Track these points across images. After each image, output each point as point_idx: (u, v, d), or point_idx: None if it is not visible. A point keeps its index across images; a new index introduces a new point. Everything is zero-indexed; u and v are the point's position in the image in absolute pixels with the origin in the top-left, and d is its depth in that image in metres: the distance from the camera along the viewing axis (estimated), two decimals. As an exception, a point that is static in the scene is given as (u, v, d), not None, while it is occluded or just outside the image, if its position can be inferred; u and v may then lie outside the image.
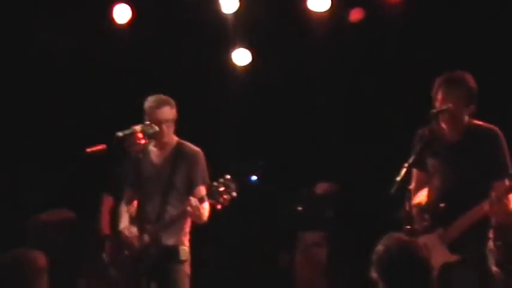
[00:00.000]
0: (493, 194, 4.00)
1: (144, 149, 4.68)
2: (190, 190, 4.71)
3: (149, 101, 4.74)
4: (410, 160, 4.08)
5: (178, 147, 4.78)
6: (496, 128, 4.23)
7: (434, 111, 4.18)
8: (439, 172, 4.24)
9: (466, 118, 4.23)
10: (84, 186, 6.25)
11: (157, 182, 4.71)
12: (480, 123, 4.27)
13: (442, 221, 4.17)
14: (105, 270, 4.97)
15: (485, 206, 4.04)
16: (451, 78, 4.24)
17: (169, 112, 4.72)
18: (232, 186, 4.45)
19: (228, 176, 4.47)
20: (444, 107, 4.18)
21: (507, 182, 4.05)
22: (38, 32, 6.56)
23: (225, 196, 4.44)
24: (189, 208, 4.51)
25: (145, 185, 4.70)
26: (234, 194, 4.45)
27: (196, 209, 4.52)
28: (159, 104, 4.70)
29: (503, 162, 4.15)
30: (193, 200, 4.51)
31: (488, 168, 4.13)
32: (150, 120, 4.65)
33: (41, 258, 3.44)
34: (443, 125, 4.22)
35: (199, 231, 4.93)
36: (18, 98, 6.64)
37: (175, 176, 4.70)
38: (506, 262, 5.29)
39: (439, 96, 4.21)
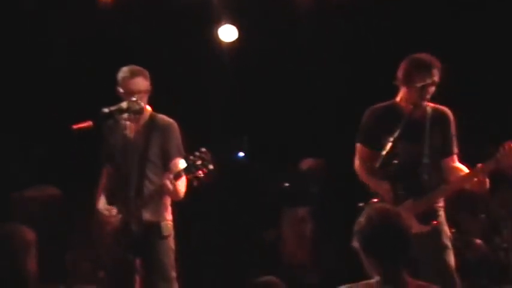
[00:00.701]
0: (478, 167, 4.34)
1: (117, 123, 4.59)
2: (166, 163, 4.64)
3: (122, 71, 4.66)
4: (396, 135, 4.35)
5: (151, 119, 4.69)
6: (448, 110, 4.58)
7: (421, 84, 4.39)
8: (400, 148, 4.45)
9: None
10: (71, 162, 6.24)
11: (132, 156, 4.62)
12: (433, 104, 4.57)
13: (406, 195, 4.43)
14: (92, 247, 4.97)
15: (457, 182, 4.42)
16: (425, 59, 4.48)
17: (142, 83, 4.63)
18: (208, 158, 4.39)
19: (204, 149, 4.41)
20: (429, 81, 4.40)
21: (455, 159, 4.50)
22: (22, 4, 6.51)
23: (202, 169, 4.38)
24: (167, 183, 4.45)
25: (120, 160, 4.63)
26: (211, 166, 4.38)
27: (172, 186, 4.46)
28: (133, 75, 4.62)
29: (453, 140, 4.54)
30: (168, 178, 4.45)
31: (441, 146, 4.51)
32: (124, 92, 4.60)
33: (29, 233, 3.45)
34: (413, 101, 4.44)
35: (185, 206, 4.93)
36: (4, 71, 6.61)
37: (149, 149, 4.61)
38: (491, 234, 5.42)
39: (414, 74, 4.43)
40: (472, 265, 4.89)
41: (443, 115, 4.54)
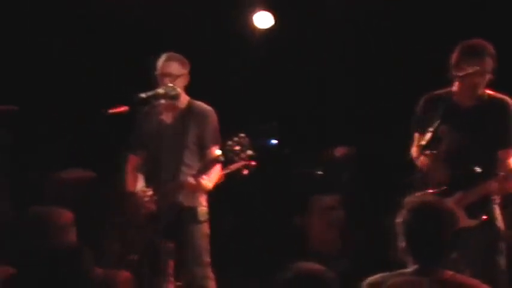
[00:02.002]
0: (501, 174, 4.14)
1: (155, 108, 4.65)
2: (202, 149, 4.68)
3: (161, 56, 4.75)
4: (436, 124, 4.15)
5: (189, 106, 4.73)
6: (508, 98, 4.30)
7: (462, 73, 4.19)
8: (447, 137, 4.27)
9: (481, 88, 4.29)
10: (106, 146, 6.31)
11: (169, 141, 4.67)
12: (492, 92, 4.32)
13: (454, 186, 4.22)
14: (124, 229, 5.02)
15: (493, 184, 4.17)
16: (475, 45, 4.26)
17: (176, 68, 4.68)
18: (247, 144, 4.38)
19: (242, 134, 4.40)
20: (470, 70, 4.18)
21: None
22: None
23: (241, 155, 4.37)
24: (190, 180, 4.47)
25: (157, 144, 4.68)
26: (250, 152, 4.37)
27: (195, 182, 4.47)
28: (168, 58, 4.70)
29: (510, 132, 4.26)
30: (192, 175, 4.47)
31: (496, 137, 4.24)
32: (158, 75, 4.65)
33: (65, 214, 3.50)
34: (463, 90, 4.26)
35: (213, 193, 4.95)
36: (37, 57, 6.69)
37: (187, 134, 4.64)
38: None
39: (462, 62, 4.23)
40: (507, 254, 4.77)
41: (501, 104, 4.26)
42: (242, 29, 6.86)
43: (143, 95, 4.57)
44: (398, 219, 3.08)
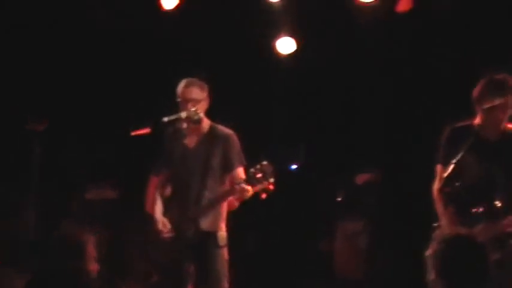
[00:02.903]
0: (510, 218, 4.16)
1: (179, 133, 4.72)
2: (226, 173, 4.73)
3: (180, 83, 4.81)
4: (459, 156, 4.17)
5: (212, 130, 4.79)
6: None
7: (489, 105, 4.24)
8: (472, 170, 4.30)
9: (504, 122, 4.35)
10: (130, 166, 6.37)
11: (193, 165, 4.72)
12: None
13: (475, 220, 4.23)
14: (146, 251, 5.05)
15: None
16: (499, 80, 4.30)
17: (197, 92, 4.75)
18: (270, 171, 4.43)
19: (265, 162, 4.45)
20: (497, 102, 4.23)
21: None
22: (88, 11, 6.69)
23: (262, 183, 4.43)
24: (237, 187, 4.50)
25: (182, 169, 4.73)
26: (272, 180, 4.43)
27: (244, 191, 4.50)
28: (188, 84, 4.76)
29: None
30: (239, 183, 4.51)
31: None
32: (181, 101, 4.71)
33: (85, 234, 3.52)
34: (487, 123, 4.31)
35: (238, 217, 4.96)
36: (66, 78, 6.79)
37: (212, 158, 4.70)
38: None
39: (486, 96, 4.27)
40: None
41: None
42: (266, 55, 6.90)
43: (166, 119, 4.63)
44: (429, 252, 3.05)
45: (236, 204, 4.73)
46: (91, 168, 6.63)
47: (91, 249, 3.45)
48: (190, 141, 4.80)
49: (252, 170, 4.47)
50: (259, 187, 4.47)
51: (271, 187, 4.46)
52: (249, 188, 4.48)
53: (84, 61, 6.83)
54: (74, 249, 3.40)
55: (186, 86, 4.76)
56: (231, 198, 4.68)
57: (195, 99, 4.73)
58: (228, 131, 4.83)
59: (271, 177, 4.43)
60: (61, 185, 6.55)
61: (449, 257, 2.99)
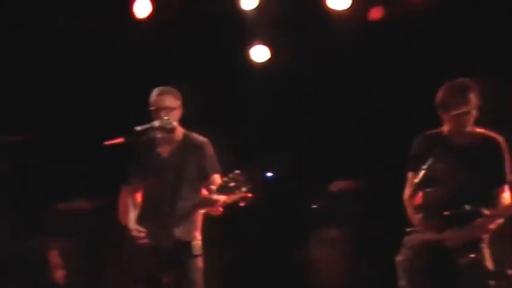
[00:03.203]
0: (486, 213, 4.24)
1: (152, 142, 4.70)
2: (202, 181, 4.70)
3: (153, 91, 4.78)
4: (430, 162, 4.23)
5: (186, 138, 4.76)
6: (498, 136, 4.42)
7: (458, 112, 4.29)
8: (442, 176, 4.35)
9: (471, 126, 4.41)
10: (103, 177, 6.30)
11: (167, 174, 4.69)
12: (483, 130, 4.44)
13: (446, 225, 4.27)
14: (121, 261, 5.01)
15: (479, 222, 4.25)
16: (460, 85, 4.37)
17: (170, 101, 4.72)
18: (242, 180, 4.41)
19: (237, 171, 4.44)
20: (465, 109, 4.29)
21: (505, 188, 4.33)
22: (60, 22, 6.64)
23: (235, 192, 4.42)
24: (208, 198, 4.50)
25: (155, 179, 4.70)
26: (244, 189, 4.42)
27: (214, 201, 4.51)
28: (161, 92, 4.73)
29: (503, 169, 4.37)
30: (211, 191, 4.50)
31: (490, 175, 4.34)
32: (154, 109, 4.67)
33: (54, 251, 3.46)
34: (454, 129, 4.36)
35: (215, 225, 4.94)
36: (38, 88, 6.72)
37: (186, 167, 4.68)
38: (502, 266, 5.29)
39: (448, 101, 4.34)
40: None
41: (493, 143, 4.39)
42: (240, 63, 6.89)
43: (139, 128, 4.60)
44: (399, 258, 3.06)
45: (220, 209, 4.70)
46: (64, 179, 6.56)
47: (55, 259, 3.40)
48: (164, 150, 4.77)
49: (224, 179, 4.46)
50: (233, 196, 4.45)
51: (248, 195, 4.44)
52: (220, 197, 4.47)
53: (56, 71, 6.76)
54: (37, 260, 3.35)
55: (160, 94, 4.73)
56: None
57: (168, 107, 4.70)
58: (202, 138, 4.80)
59: (244, 186, 4.42)
60: (33, 196, 6.47)
61: (417, 263, 3.02)
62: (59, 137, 6.72)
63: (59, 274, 3.44)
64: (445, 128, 4.44)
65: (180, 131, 4.79)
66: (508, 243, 5.28)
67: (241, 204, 4.49)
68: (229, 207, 4.62)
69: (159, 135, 4.67)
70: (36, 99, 6.72)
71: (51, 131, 6.72)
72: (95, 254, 5.92)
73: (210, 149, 4.76)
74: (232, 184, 4.41)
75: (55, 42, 6.70)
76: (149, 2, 6.64)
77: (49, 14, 6.63)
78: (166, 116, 4.65)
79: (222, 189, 4.44)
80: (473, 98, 4.33)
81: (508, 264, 5.29)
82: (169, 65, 6.65)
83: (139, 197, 4.83)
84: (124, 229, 4.80)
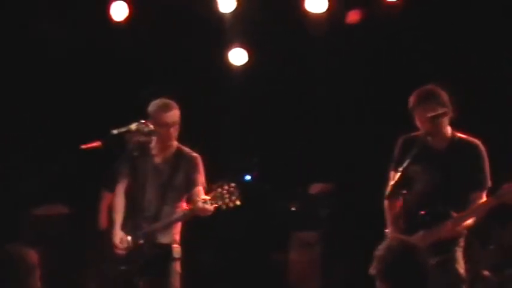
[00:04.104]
0: (455, 216, 4.30)
1: (145, 148, 4.77)
2: (186, 191, 4.82)
3: (156, 105, 4.79)
4: (405, 165, 4.28)
5: (179, 151, 4.88)
6: (478, 142, 4.45)
7: (432, 114, 4.34)
8: (420, 178, 4.41)
9: (450, 130, 4.45)
10: (80, 181, 6.27)
11: (156, 181, 4.78)
12: (463, 135, 4.48)
13: (421, 226, 4.35)
14: (99, 265, 5.00)
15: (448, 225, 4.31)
16: (433, 92, 4.43)
17: (176, 115, 4.82)
18: (237, 194, 4.57)
19: (233, 184, 4.59)
20: (441, 110, 4.35)
21: (482, 194, 4.36)
22: (36, 25, 6.58)
23: (227, 204, 4.58)
24: (200, 206, 4.61)
25: (144, 183, 4.76)
26: (238, 202, 4.59)
27: (207, 211, 4.63)
28: (168, 108, 4.78)
29: (482, 175, 4.40)
30: (202, 199, 4.62)
31: (468, 179, 4.37)
32: (156, 124, 4.71)
33: (32, 255, 3.43)
34: (435, 131, 4.40)
35: (193, 228, 4.96)
36: (13, 91, 6.66)
37: (175, 177, 4.79)
38: (502, 265, 5.36)
39: (418, 107, 4.39)
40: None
41: (471, 147, 4.42)
42: (218, 66, 6.89)
43: (115, 131, 4.59)
44: (377, 256, 3.12)
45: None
46: (40, 184, 6.51)
47: (35, 272, 3.37)
48: (157, 159, 4.85)
49: (219, 189, 4.58)
50: (222, 207, 4.60)
51: (238, 204, 4.61)
52: (212, 208, 4.61)
53: (31, 74, 6.70)
54: (16, 273, 3.31)
55: (166, 110, 4.76)
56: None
57: (175, 122, 4.80)
58: (194, 153, 4.91)
59: (237, 199, 4.58)
60: (9, 202, 6.41)
61: (391, 263, 3.08)
62: (34, 140, 6.67)
63: (37, 277, 3.40)
64: (421, 131, 4.48)
65: (174, 143, 4.88)
66: (483, 243, 5.36)
67: (223, 207, 4.63)
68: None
69: (153, 143, 4.74)
70: (11, 102, 6.65)
71: (27, 134, 6.66)
72: (72, 258, 5.89)
73: (199, 164, 4.88)
74: (226, 195, 4.57)
75: (30, 44, 6.65)
76: (126, 5, 6.61)
77: (23, 16, 6.57)
78: (174, 130, 4.76)
79: (216, 199, 4.58)
80: (445, 101, 4.39)
81: (483, 264, 5.37)
82: (147, 68, 6.62)
83: (123, 199, 4.85)
84: (103, 233, 4.78)
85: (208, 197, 4.61)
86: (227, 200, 4.57)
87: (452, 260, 4.38)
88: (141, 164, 4.78)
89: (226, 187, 4.58)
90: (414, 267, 3.09)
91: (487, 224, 4.53)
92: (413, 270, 3.09)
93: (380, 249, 3.16)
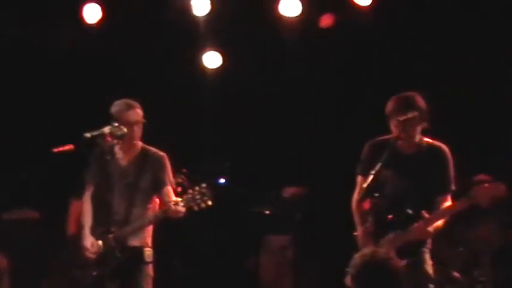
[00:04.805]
0: (425, 217, 4.39)
1: (110, 151, 4.71)
2: (155, 192, 4.78)
3: (118, 105, 4.77)
4: (377, 168, 4.35)
5: (144, 151, 4.83)
6: (444, 146, 4.58)
7: (403, 118, 4.44)
8: (389, 182, 4.50)
9: (419, 135, 4.56)
10: (50, 186, 6.21)
11: (122, 183, 4.75)
12: (430, 140, 4.59)
13: (389, 228, 4.45)
14: (69, 271, 4.95)
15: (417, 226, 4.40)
16: (408, 97, 4.52)
17: (139, 114, 4.79)
18: (208, 195, 4.55)
19: (204, 185, 4.57)
20: (410, 115, 4.44)
21: (448, 197, 4.49)
22: (8, 28, 6.52)
23: (199, 205, 4.55)
24: (173, 208, 4.58)
25: (111, 186, 4.72)
26: (209, 203, 4.56)
27: (179, 212, 4.59)
28: (130, 107, 4.76)
29: (447, 179, 4.53)
30: (173, 202, 4.59)
31: (434, 183, 4.49)
32: (120, 124, 4.67)
33: (1, 261, 3.40)
34: (405, 136, 4.48)
35: (165, 232, 4.95)
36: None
37: (141, 178, 4.75)
38: (471, 267, 5.42)
39: (396, 112, 4.47)
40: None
41: (437, 151, 4.54)
42: (192, 69, 6.88)
43: (88, 135, 4.56)
44: (349, 273, 3.15)
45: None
46: (10, 188, 6.43)
47: (3, 278, 3.33)
48: (122, 160, 4.82)
49: (190, 191, 4.56)
50: (194, 208, 4.57)
51: (209, 205, 4.59)
52: (184, 210, 4.58)
53: (4, 77, 6.62)
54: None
55: (128, 109, 4.74)
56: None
57: (139, 121, 4.77)
58: (160, 153, 4.87)
59: (209, 200, 4.56)
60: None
61: (365, 274, 3.15)
62: (5, 143, 6.59)
63: (6, 282, 3.36)
64: (393, 136, 4.56)
65: (139, 143, 4.84)
66: (452, 245, 5.42)
67: (194, 209, 4.60)
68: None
69: (116, 144, 4.68)
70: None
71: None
72: (42, 264, 5.83)
73: (167, 163, 4.84)
74: (198, 197, 4.55)
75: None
76: (99, 8, 6.57)
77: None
78: (138, 129, 4.71)
79: (188, 202, 4.55)
80: (418, 106, 4.48)
81: (453, 265, 5.43)
82: (120, 72, 6.59)
83: (90, 205, 4.82)
84: (72, 239, 4.74)
85: (179, 199, 4.58)
86: (199, 201, 4.54)
87: (421, 261, 4.48)
88: (108, 167, 4.73)
89: (197, 188, 4.56)
90: (388, 277, 3.13)
91: (455, 225, 4.59)
92: (388, 280, 3.12)
93: (354, 261, 3.18)
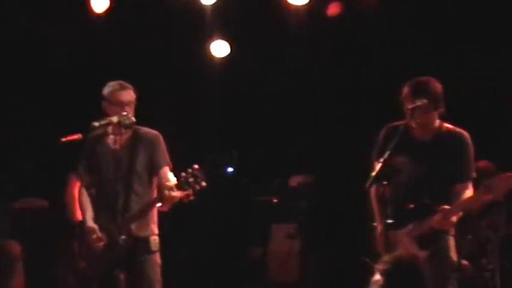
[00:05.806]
0: (443, 208, 4.24)
1: (102, 137, 4.62)
2: (153, 174, 4.64)
3: (110, 86, 4.66)
4: (386, 155, 4.18)
5: (136, 133, 4.66)
6: (465, 133, 4.42)
7: (411, 106, 4.29)
8: (406, 169, 4.37)
9: (437, 121, 4.41)
10: (59, 175, 6.22)
11: (118, 169, 4.61)
12: (450, 126, 4.44)
13: (408, 218, 4.31)
14: (76, 260, 4.92)
15: (437, 217, 4.26)
16: (418, 84, 4.37)
17: (131, 95, 4.65)
18: (201, 176, 4.38)
19: (196, 166, 4.40)
20: (419, 102, 4.28)
21: (468, 184, 4.34)
22: (16, 19, 6.53)
23: (194, 186, 4.38)
24: (169, 192, 4.43)
25: (106, 174, 4.62)
26: (203, 184, 4.38)
27: (173, 198, 4.46)
28: (122, 87, 4.64)
29: (467, 166, 4.38)
30: (168, 187, 4.44)
31: (453, 170, 4.34)
32: (111, 104, 4.59)
33: (15, 247, 3.42)
34: (416, 123, 4.35)
35: (172, 221, 4.91)
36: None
37: (136, 161, 4.59)
38: (477, 255, 5.41)
39: (410, 97, 4.33)
40: (458, 286, 4.84)
41: (458, 137, 4.38)
42: (200, 58, 6.88)
43: (96, 124, 4.52)
44: (375, 278, 3.11)
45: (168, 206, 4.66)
46: (20, 178, 6.45)
47: (17, 265, 3.35)
48: (114, 145, 4.66)
49: (183, 174, 4.39)
50: (190, 191, 4.40)
51: (192, 192, 4.40)
52: (178, 194, 4.42)
53: (12, 67, 6.63)
54: (2, 263, 3.29)
55: (120, 89, 4.62)
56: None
57: (130, 101, 4.62)
58: (152, 131, 4.72)
59: (202, 181, 4.39)
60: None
61: (394, 279, 3.07)
62: (16, 134, 6.62)
63: (20, 281, 3.38)
64: (406, 122, 4.40)
65: None
66: (460, 233, 5.38)
67: (191, 198, 4.44)
68: (184, 203, 4.59)
69: (111, 129, 4.57)
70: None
71: (8, 128, 6.61)
72: (51, 252, 5.85)
73: (161, 142, 4.68)
74: (191, 179, 4.37)
75: (7, 37, 6.59)
76: (106, -3, 6.58)
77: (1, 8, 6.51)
78: (129, 109, 4.57)
79: (181, 185, 4.39)
80: (429, 92, 4.33)
81: (461, 254, 5.40)
82: (128, 62, 6.59)
83: (87, 197, 4.71)
84: (80, 227, 4.72)
85: (173, 184, 4.39)
86: (193, 184, 4.35)
87: (446, 248, 4.35)
88: (100, 155, 4.62)
89: (189, 171, 4.36)
90: (420, 281, 3.09)
91: (464, 214, 4.54)
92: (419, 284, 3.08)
93: (387, 265, 3.10)
